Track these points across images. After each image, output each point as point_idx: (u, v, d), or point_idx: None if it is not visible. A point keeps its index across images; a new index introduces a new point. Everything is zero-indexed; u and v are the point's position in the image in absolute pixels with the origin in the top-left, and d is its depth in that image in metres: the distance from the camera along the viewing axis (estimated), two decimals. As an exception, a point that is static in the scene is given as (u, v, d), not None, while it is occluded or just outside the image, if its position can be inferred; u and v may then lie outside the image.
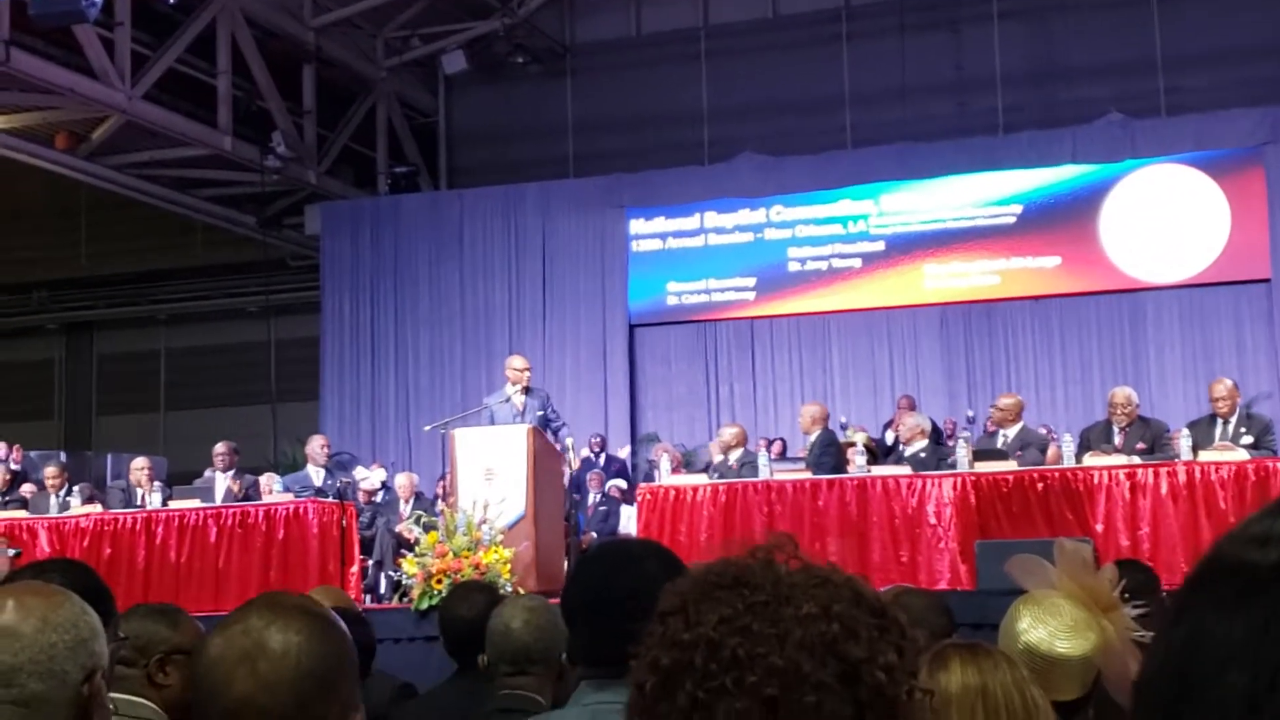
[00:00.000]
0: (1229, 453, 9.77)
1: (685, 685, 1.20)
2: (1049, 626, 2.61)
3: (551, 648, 3.40)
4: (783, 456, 12.61)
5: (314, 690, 1.73)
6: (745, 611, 1.22)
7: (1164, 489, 9.63)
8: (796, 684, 1.18)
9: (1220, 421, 10.13)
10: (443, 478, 13.04)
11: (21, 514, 12.07)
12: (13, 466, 14.56)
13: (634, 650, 1.28)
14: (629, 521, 13.02)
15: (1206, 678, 0.78)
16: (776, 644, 1.19)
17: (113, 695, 2.32)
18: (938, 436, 12.37)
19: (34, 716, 1.91)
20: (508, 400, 10.95)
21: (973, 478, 9.98)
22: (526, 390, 11.00)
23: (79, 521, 11.56)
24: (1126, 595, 2.69)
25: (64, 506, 12.15)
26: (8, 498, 12.83)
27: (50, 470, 12.96)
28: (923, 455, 10.86)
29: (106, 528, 11.42)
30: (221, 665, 1.73)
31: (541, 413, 10.88)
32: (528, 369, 11.16)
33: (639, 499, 11.07)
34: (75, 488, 12.65)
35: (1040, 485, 9.87)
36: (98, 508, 11.91)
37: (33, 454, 16.62)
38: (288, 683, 1.72)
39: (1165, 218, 15.95)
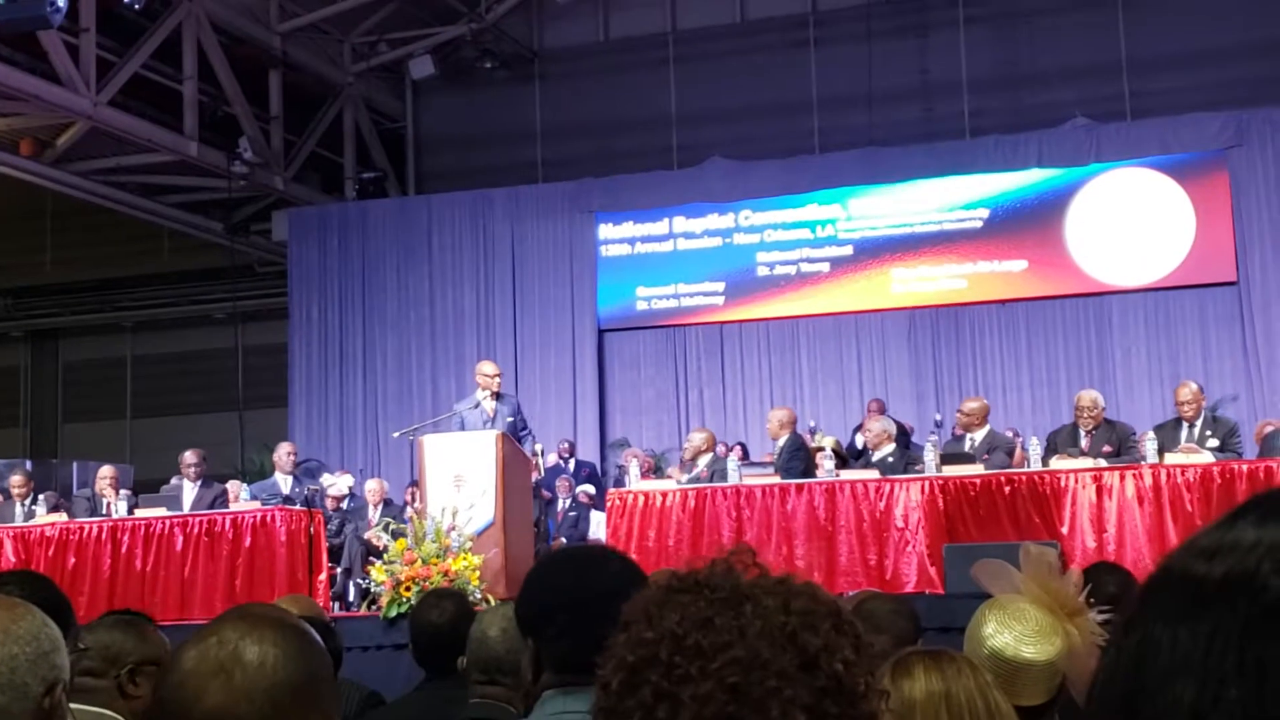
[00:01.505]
0: (1194, 455, 9.83)
1: (650, 678, 1.25)
2: (1014, 631, 2.62)
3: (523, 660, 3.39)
4: (745, 460, 12.62)
5: (291, 700, 1.70)
6: (706, 608, 1.27)
7: (1130, 491, 9.68)
8: (758, 670, 1.22)
9: (1185, 425, 10.20)
10: (412, 484, 13.00)
11: (-15, 523, 11.98)
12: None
13: (600, 657, 1.31)
14: (598, 527, 13.02)
15: (1154, 688, 0.79)
16: (738, 635, 1.25)
17: (79, 708, 2.31)
18: (906, 441, 12.40)
19: (-6, 730, 1.90)
20: (477, 406, 10.94)
21: (940, 481, 10.02)
22: (497, 396, 10.99)
23: (44, 530, 11.49)
24: (1092, 600, 2.70)
25: (29, 515, 12.07)
26: (-28, 507, 12.73)
27: (16, 479, 12.85)
28: (890, 459, 10.89)
29: (72, 536, 11.34)
30: (195, 678, 1.69)
31: (511, 419, 10.87)
32: (498, 375, 11.15)
33: (608, 504, 11.07)
34: (40, 496, 12.57)
35: (1007, 488, 9.91)
36: (63, 516, 11.83)
37: (-2, 462, 16.52)
38: (263, 692, 1.69)
39: (1131, 221, 16.04)
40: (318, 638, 1.83)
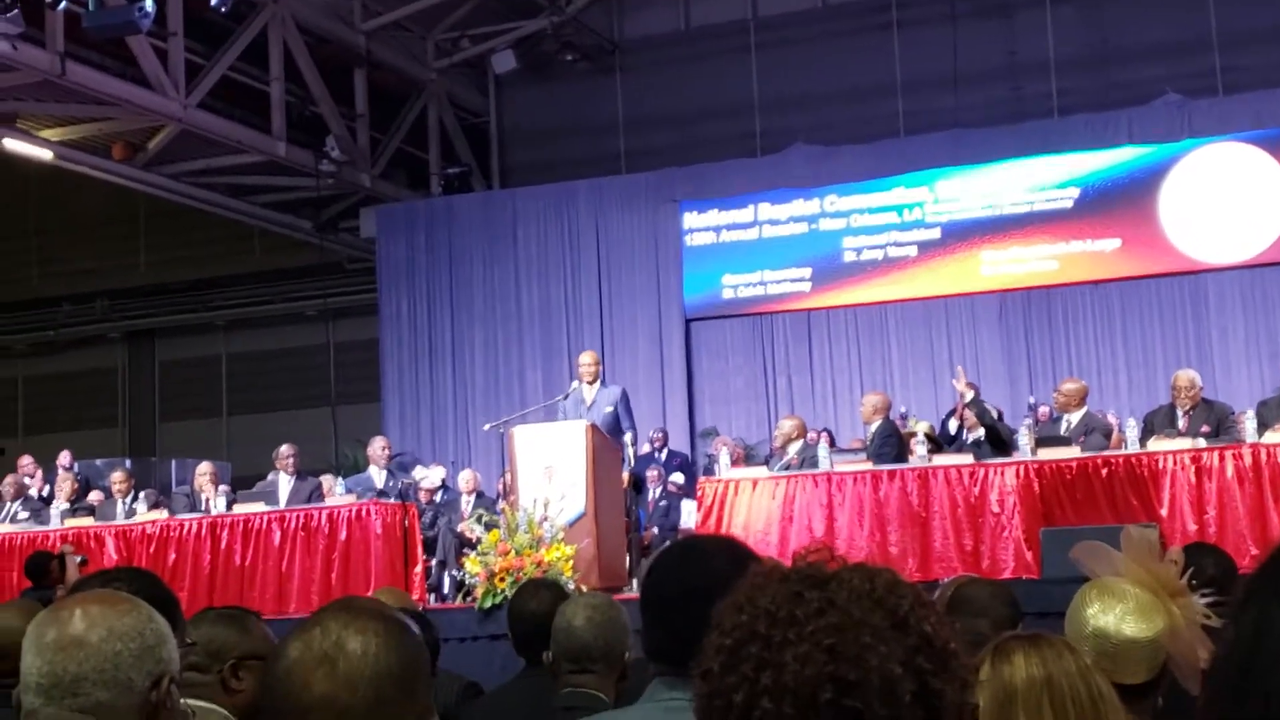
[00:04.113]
0: (1295, 433, 9.65)
1: (751, 650, 1.30)
2: (1117, 610, 2.60)
3: (613, 646, 3.40)
4: (831, 446, 12.55)
5: (393, 690, 1.74)
6: (795, 586, 1.34)
7: (1230, 472, 9.52)
8: (853, 629, 1.28)
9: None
10: (503, 476, 13.08)
11: (89, 521, 12.22)
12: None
13: (692, 655, 1.36)
14: (689, 516, 13.03)
15: (1271, 662, 0.78)
16: (829, 603, 1.31)
17: (186, 702, 2.34)
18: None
19: (102, 724, 1.93)
20: (567, 397, 11.09)
21: (1036, 465, 9.90)
22: (597, 383, 11.10)
23: (145, 528, 11.69)
24: (1194, 582, 2.67)
25: (130, 513, 12.29)
26: (76, 506, 12.99)
27: (117, 475, 13.12)
28: (985, 443, 10.79)
29: (172, 533, 11.53)
30: (300, 667, 1.73)
31: (610, 409, 10.92)
32: (592, 363, 11.33)
33: (698, 493, 11.07)
34: (141, 494, 12.80)
35: (1104, 471, 9.78)
36: (163, 513, 12.03)
37: (98, 462, 16.81)
38: (368, 681, 1.72)
39: (1225, 197, 15.76)
40: (416, 629, 1.87)
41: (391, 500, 11.51)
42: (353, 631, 1.75)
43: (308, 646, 1.74)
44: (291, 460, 12.14)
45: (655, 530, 13.45)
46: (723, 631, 1.33)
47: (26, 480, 14.05)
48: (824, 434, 14.49)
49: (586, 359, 11.45)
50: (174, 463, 18.76)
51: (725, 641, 1.32)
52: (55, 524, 12.20)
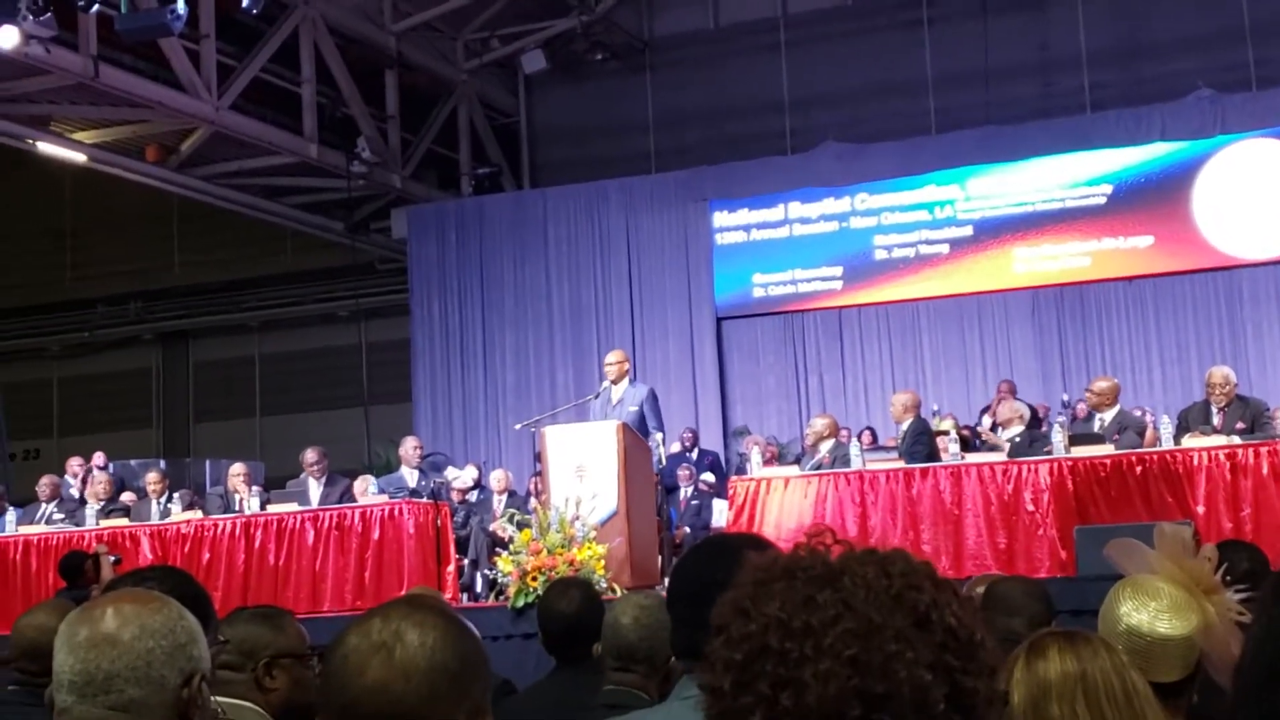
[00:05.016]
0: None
1: (766, 668, 1.21)
2: (1151, 608, 2.59)
3: (657, 647, 3.40)
4: (873, 445, 12.52)
5: (447, 684, 1.73)
6: (804, 588, 1.24)
7: (1265, 469, 9.44)
8: (874, 635, 1.19)
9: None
10: (534, 475, 13.10)
11: (124, 522, 12.28)
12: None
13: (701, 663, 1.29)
14: (721, 515, 13.01)
15: None
16: (844, 607, 1.22)
17: (218, 699, 2.35)
18: (1035, 424, 12.22)
19: (134, 721, 1.94)
20: (599, 396, 11.08)
21: (1069, 463, 9.85)
22: (624, 382, 11.08)
23: (179, 528, 11.74)
24: (1228, 578, 2.65)
25: (165, 513, 12.35)
26: (111, 507, 13.06)
27: (152, 476, 13.19)
28: (1018, 440, 10.75)
29: (206, 533, 11.58)
30: (358, 654, 1.74)
31: (635, 408, 10.89)
32: (618, 362, 11.24)
33: (730, 492, 11.06)
34: (175, 494, 12.86)
35: (1139, 468, 9.71)
36: (197, 513, 12.09)
37: (133, 463, 16.91)
38: (422, 672, 1.72)
39: (1259, 193, 15.66)
40: (476, 632, 1.86)
41: (424, 500, 11.53)
42: (413, 623, 1.76)
43: (366, 635, 1.75)
44: (317, 466, 12.14)
45: (687, 529, 13.44)
46: (729, 642, 1.26)
47: (70, 479, 14.17)
48: (866, 432, 14.48)
49: (612, 358, 11.37)
50: (208, 463, 18.84)
51: (734, 656, 1.24)
52: (90, 524, 12.28)
